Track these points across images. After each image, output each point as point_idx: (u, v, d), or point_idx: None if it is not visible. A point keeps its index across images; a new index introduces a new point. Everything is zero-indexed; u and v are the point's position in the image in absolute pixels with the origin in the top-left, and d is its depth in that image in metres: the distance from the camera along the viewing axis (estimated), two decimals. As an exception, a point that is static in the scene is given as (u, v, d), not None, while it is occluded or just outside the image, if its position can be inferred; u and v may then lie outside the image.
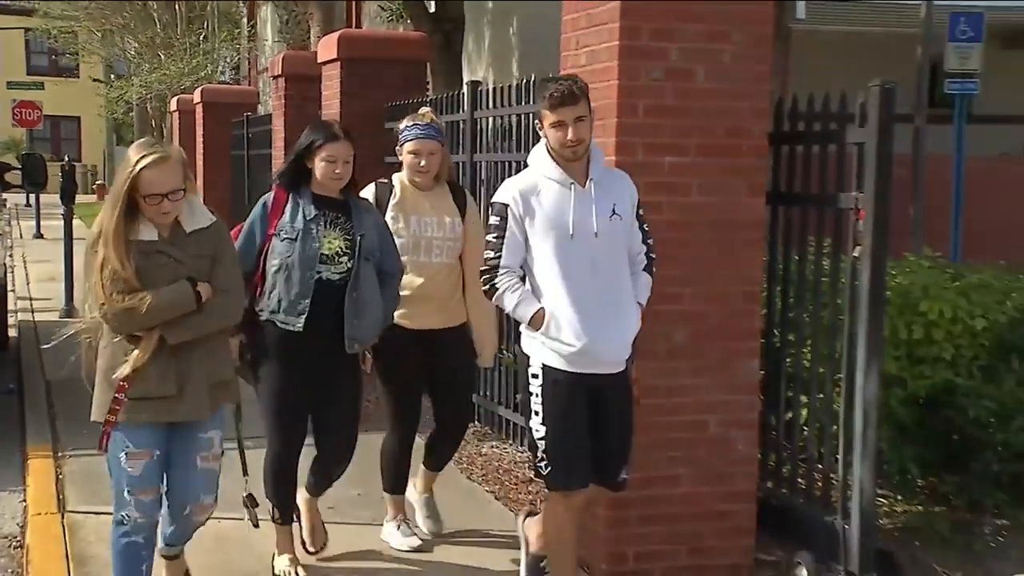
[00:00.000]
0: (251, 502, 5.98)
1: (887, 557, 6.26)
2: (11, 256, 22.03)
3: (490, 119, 8.96)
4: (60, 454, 8.61)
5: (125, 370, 5.04)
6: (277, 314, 5.95)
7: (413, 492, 7.11)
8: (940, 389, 7.05)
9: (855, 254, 6.10)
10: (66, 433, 9.12)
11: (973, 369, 7.04)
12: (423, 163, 6.59)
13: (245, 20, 38.07)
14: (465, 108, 9.33)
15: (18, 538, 7.31)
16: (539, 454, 5.52)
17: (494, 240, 5.47)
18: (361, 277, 6.00)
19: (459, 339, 6.85)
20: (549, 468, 5.49)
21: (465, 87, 9.59)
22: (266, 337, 6.04)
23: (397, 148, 6.73)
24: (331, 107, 11.78)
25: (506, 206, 5.44)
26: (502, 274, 5.45)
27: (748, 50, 6.26)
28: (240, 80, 38.13)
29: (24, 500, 7.94)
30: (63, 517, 7.22)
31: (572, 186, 5.36)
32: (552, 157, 5.42)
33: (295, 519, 6.42)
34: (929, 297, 7.02)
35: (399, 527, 6.88)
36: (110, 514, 5.03)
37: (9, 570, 6.84)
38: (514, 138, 8.56)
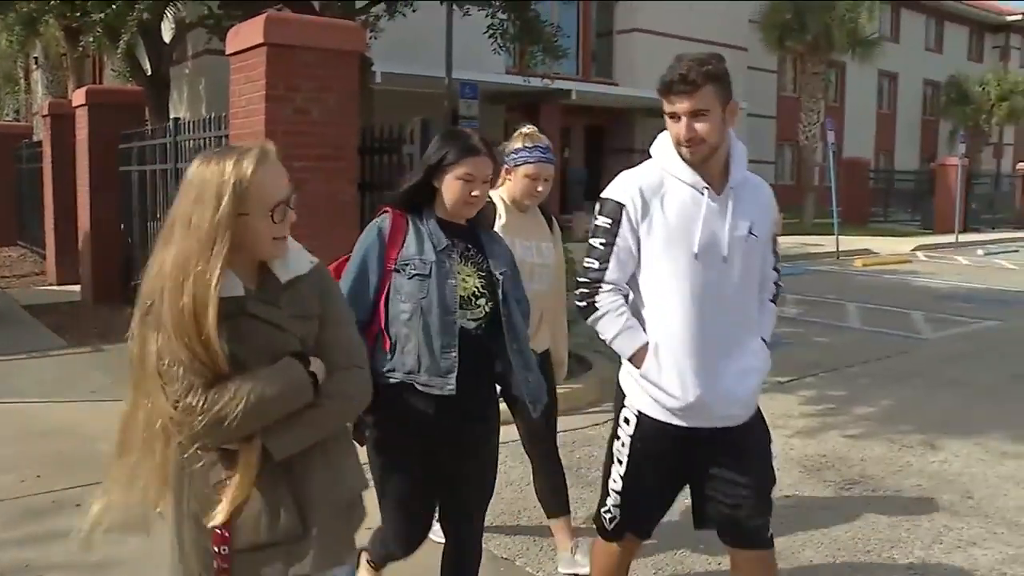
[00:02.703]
0: None
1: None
2: None
3: (187, 141, 8.53)
4: None
5: (221, 515, 2.00)
6: (417, 375, 2.81)
7: (564, 554, 3.97)
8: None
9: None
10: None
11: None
12: (540, 188, 3.78)
13: (23, 80, 35.27)
14: (171, 134, 8.85)
15: None
16: (605, 501, 2.96)
17: (600, 247, 2.79)
18: (516, 323, 2.96)
19: (547, 366, 3.92)
20: (608, 522, 2.97)
21: (171, 122, 9.09)
22: (400, 406, 2.82)
23: (508, 168, 3.79)
24: (81, 134, 10.91)
25: (621, 207, 2.75)
26: (605, 292, 2.80)
27: (345, 99, 6.24)
28: (20, 119, 34.95)
29: None
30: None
31: (706, 192, 2.71)
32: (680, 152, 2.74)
33: None
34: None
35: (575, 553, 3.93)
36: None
37: None
38: (202, 152, 8.17)
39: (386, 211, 3.00)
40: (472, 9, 12.64)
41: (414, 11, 12.90)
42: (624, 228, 2.75)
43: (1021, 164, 35.60)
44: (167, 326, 1.96)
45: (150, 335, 1.99)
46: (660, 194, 2.74)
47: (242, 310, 2.05)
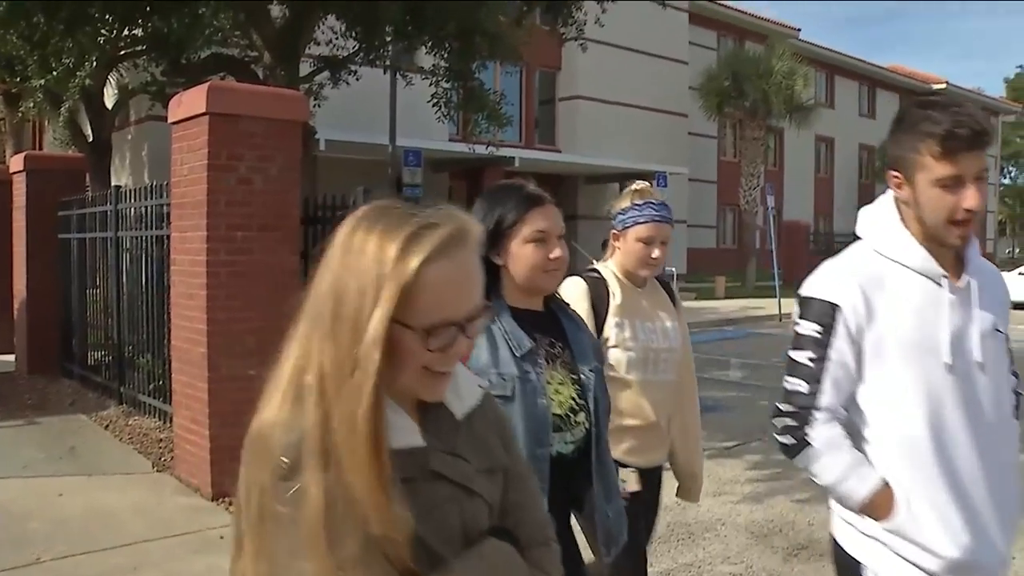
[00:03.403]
0: None
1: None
2: None
3: (129, 209, 8.43)
4: None
5: None
6: None
7: None
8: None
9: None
10: None
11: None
12: (656, 254, 2.96)
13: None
14: (112, 202, 8.74)
15: None
16: None
17: (809, 364, 2.04)
18: (605, 440, 2.28)
19: (656, 484, 3.13)
20: None
21: (112, 189, 8.99)
22: None
23: (616, 232, 3.03)
24: (19, 200, 10.73)
25: (836, 308, 2.01)
26: (820, 423, 2.02)
27: (287, 168, 6.22)
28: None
29: None
30: None
31: (944, 282, 2.01)
32: (912, 232, 2.03)
33: None
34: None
35: None
36: None
37: None
38: (143, 220, 8.06)
39: None
40: (416, 78, 12.80)
41: (358, 79, 13.03)
42: (840, 338, 2.01)
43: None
44: (354, 486, 1.18)
45: (275, 510, 1.24)
46: (885, 288, 2.02)
47: (423, 468, 1.29)
